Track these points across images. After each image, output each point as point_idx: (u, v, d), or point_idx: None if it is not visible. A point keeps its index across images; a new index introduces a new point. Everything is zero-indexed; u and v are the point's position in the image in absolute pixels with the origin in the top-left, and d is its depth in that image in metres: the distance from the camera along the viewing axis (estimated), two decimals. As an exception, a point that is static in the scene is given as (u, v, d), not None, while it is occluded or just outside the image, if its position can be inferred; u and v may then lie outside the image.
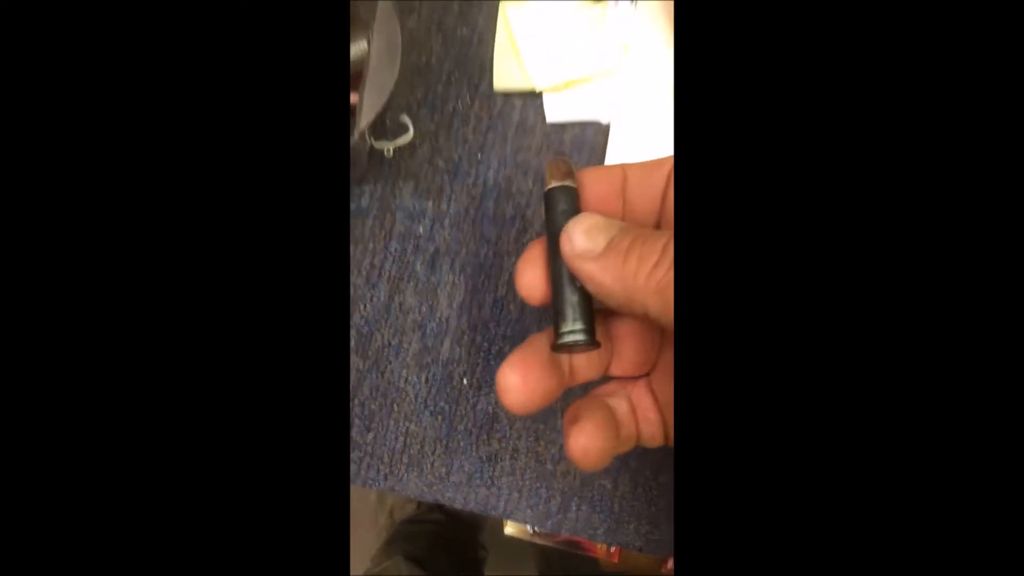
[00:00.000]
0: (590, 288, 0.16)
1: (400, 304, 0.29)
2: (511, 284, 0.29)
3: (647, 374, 0.19)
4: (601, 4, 0.30)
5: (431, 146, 0.30)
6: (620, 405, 0.18)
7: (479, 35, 0.31)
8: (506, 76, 0.30)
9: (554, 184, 0.17)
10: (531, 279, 0.17)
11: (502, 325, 0.29)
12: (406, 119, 0.29)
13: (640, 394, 0.19)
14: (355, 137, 0.25)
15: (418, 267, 0.29)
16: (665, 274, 0.14)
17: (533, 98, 0.30)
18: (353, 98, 0.26)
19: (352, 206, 0.30)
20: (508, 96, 0.30)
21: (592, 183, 0.18)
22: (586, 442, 0.17)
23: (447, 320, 0.29)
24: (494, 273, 0.29)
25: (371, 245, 0.30)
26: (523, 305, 0.29)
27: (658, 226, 0.18)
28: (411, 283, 0.29)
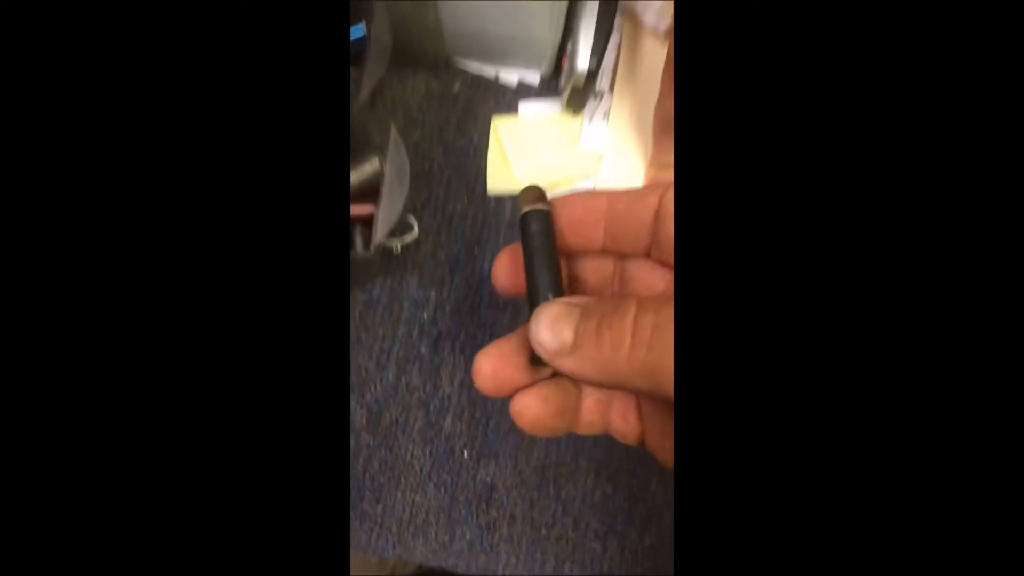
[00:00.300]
0: (574, 378, 0.16)
1: (407, 384, 0.33)
2: (506, 363, 0.33)
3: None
4: (577, 119, 0.36)
5: (434, 242, 0.34)
6: (582, 389, 0.18)
7: (474, 146, 0.36)
8: (498, 181, 0.35)
9: (527, 208, 0.18)
10: (501, 271, 0.19)
11: (498, 401, 0.32)
12: (412, 219, 0.34)
13: (624, 395, 0.18)
14: (372, 249, 0.29)
15: (423, 349, 0.33)
16: (645, 354, 0.14)
17: (522, 200, 0.35)
18: (370, 209, 0.30)
19: (364, 296, 0.34)
20: (500, 198, 0.35)
21: (567, 208, 0.18)
22: (524, 403, 0.17)
23: (448, 397, 0.32)
24: (490, 354, 0.33)
25: (381, 331, 0.33)
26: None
27: (648, 254, 0.18)
28: (416, 364, 0.33)
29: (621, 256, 0.19)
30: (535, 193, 0.18)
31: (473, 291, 0.34)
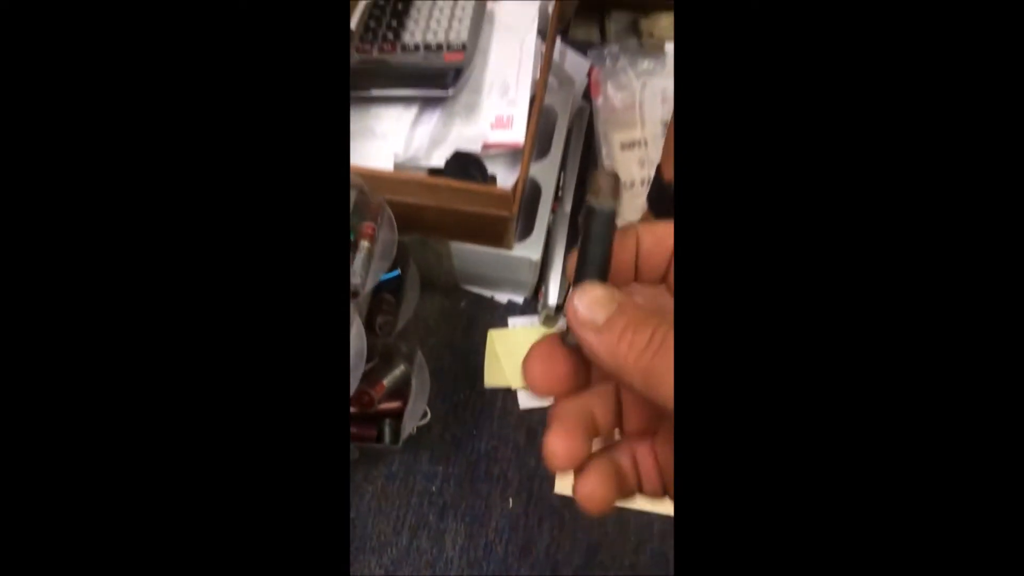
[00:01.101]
0: (587, 353, 0.17)
1: (417, 547, 0.40)
2: (498, 530, 0.40)
3: (652, 436, 0.20)
4: (557, 328, 0.48)
5: (442, 425, 0.44)
6: (623, 459, 0.20)
7: (475, 349, 0.48)
8: (492, 377, 0.46)
9: (594, 203, 0.18)
10: (536, 365, 0.19)
11: (492, 563, 0.39)
12: (426, 407, 0.44)
13: (644, 453, 0.20)
14: (400, 443, 0.38)
15: (431, 517, 0.41)
16: (650, 360, 0.16)
17: (511, 392, 0.46)
18: (399, 405, 0.41)
19: (385, 470, 0.42)
20: (494, 390, 0.46)
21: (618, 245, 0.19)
22: (591, 488, 0.19)
23: (451, 560, 0.39)
24: (485, 521, 0.41)
25: (397, 501, 0.41)
26: (507, 546, 0.40)
27: (663, 280, 0.20)
28: (425, 530, 0.40)
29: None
30: (607, 184, 0.18)
31: (472, 467, 0.43)
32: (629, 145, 0.52)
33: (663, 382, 0.16)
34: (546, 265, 0.46)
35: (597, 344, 0.17)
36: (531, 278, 0.47)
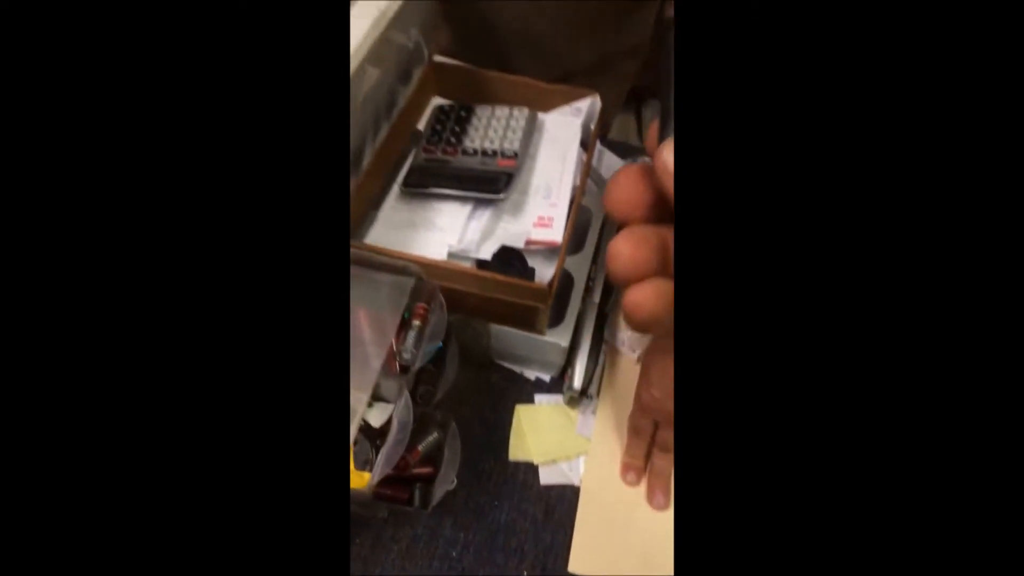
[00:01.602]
0: (669, 199, 0.17)
1: (434, 610, 0.42)
2: (511, 600, 0.43)
3: None
4: (574, 411, 0.52)
5: (466, 493, 0.47)
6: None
7: (502, 423, 0.51)
8: (517, 450, 0.50)
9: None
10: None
11: (503, 633, 0.41)
12: (454, 475, 0.47)
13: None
14: (429, 509, 0.42)
15: (450, 582, 0.43)
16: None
17: (533, 467, 0.49)
18: (430, 470, 0.44)
19: (411, 532, 0.46)
20: (517, 464, 0.49)
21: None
22: (643, 296, 0.18)
23: (465, 626, 0.42)
24: (500, 591, 0.43)
25: (420, 563, 0.44)
26: (518, 618, 0.42)
27: None
28: (444, 594, 0.43)
29: None
30: None
31: (490, 537, 0.45)
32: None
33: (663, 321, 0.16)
34: (573, 350, 0.50)
35: (666, 177, 0.17)
36: (559, 360, 0.51)
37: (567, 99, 0.57)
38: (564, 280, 0.52)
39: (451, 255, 0.48)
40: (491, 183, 0.50)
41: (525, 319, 0.47)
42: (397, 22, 0.48)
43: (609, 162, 0.67)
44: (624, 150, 0.65)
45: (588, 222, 0.56)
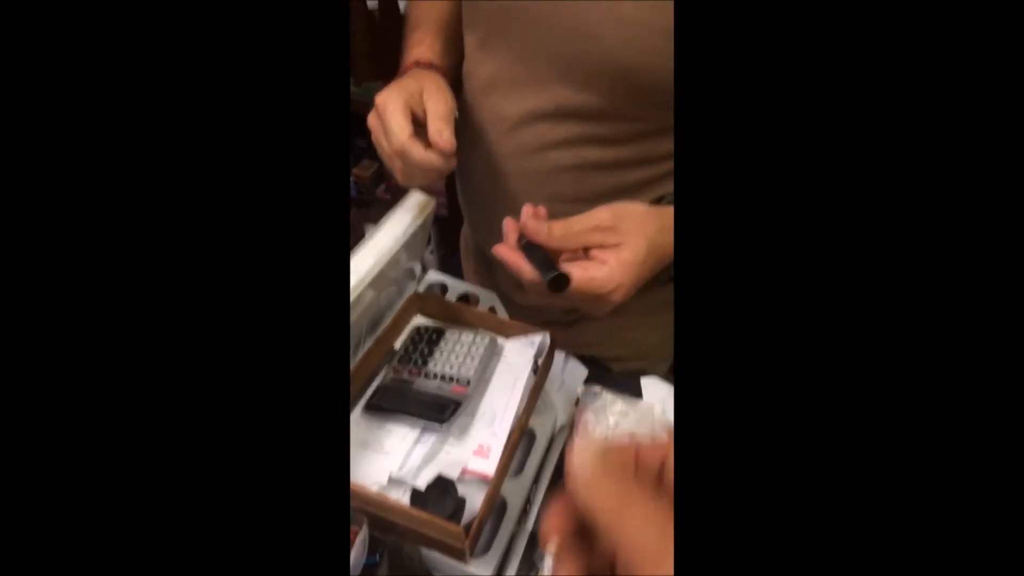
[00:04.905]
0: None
1: None
2: None
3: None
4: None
5: None
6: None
7: (425, 649, 0.52)
8: None
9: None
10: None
11: None
12: None
13: None
14: None
15: None
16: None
17: None
18: None
19: None
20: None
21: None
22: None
23: None
24: None
25: None
26: None
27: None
28: None
29: None
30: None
31: None
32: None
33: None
34: (498, 580, 0.52)
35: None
36: None
37: (523, 331, 0.66)
38: (498, 507, 0.55)
39: (391, 480, 0.53)
40: (440, 410, 0.57)
41: (448, 550, 0.50)
42: (403, 251, 0.56)
43: (574, 371, 0.74)
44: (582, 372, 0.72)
45: (531, 445, 0.61)
